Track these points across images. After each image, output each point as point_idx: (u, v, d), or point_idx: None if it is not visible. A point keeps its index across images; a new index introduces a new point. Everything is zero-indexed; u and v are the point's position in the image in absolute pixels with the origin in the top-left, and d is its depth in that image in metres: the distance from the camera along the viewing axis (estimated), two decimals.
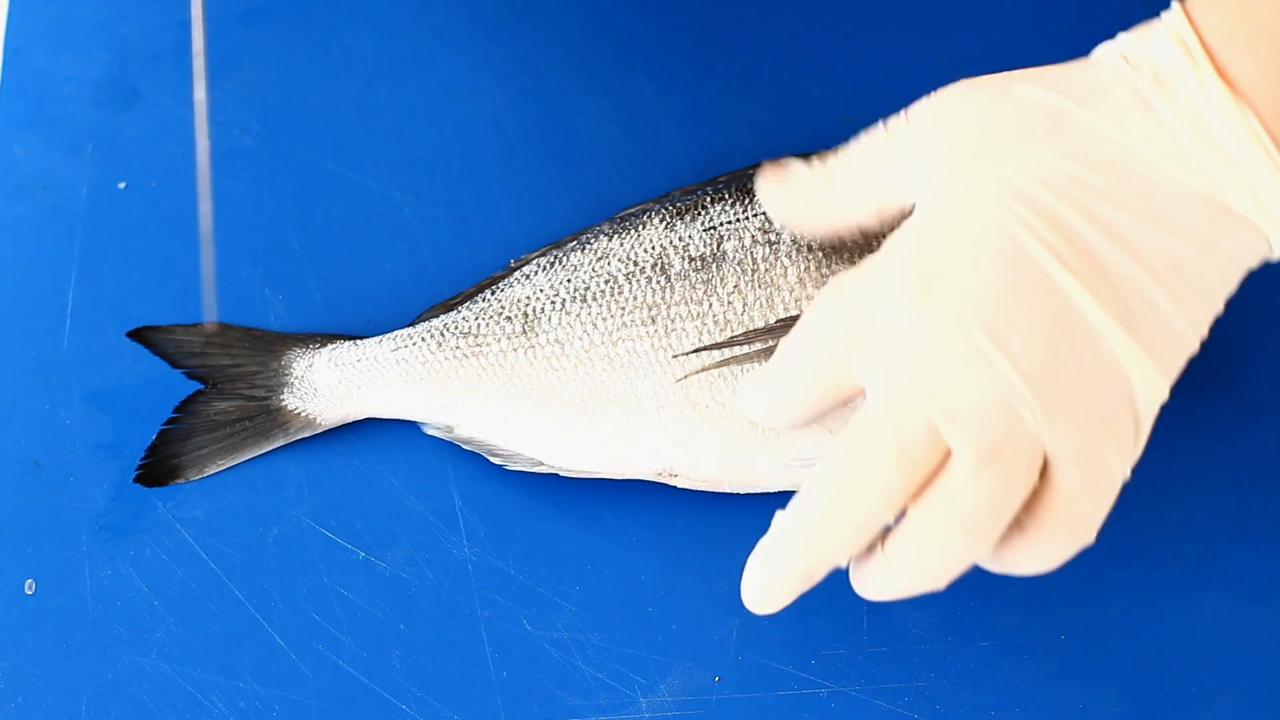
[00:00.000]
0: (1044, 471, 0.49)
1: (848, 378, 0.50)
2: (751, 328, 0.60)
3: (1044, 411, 0.47)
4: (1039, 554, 0.50)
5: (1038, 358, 0.48)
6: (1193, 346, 0.50)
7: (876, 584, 0.51)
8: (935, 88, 0.71)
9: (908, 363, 0.48)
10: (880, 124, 0.54)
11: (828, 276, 0.60)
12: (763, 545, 0.51)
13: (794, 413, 0.52)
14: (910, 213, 0.52)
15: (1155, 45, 0.50)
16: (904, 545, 0.49)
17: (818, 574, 0.50)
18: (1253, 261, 0.50)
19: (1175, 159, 0.49)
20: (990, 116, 0.51)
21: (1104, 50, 0.52)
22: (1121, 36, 0.52)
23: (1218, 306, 0.50)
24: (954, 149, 0.51)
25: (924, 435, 0.48)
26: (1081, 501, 0.49)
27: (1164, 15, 0.51)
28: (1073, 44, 0.72)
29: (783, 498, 0.62)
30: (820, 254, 0.61)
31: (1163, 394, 0.49)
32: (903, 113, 0.54)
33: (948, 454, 0.48)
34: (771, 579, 0.51)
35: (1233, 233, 0.49)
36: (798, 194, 0.57)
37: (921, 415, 0.48)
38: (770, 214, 0.58)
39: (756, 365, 0.59)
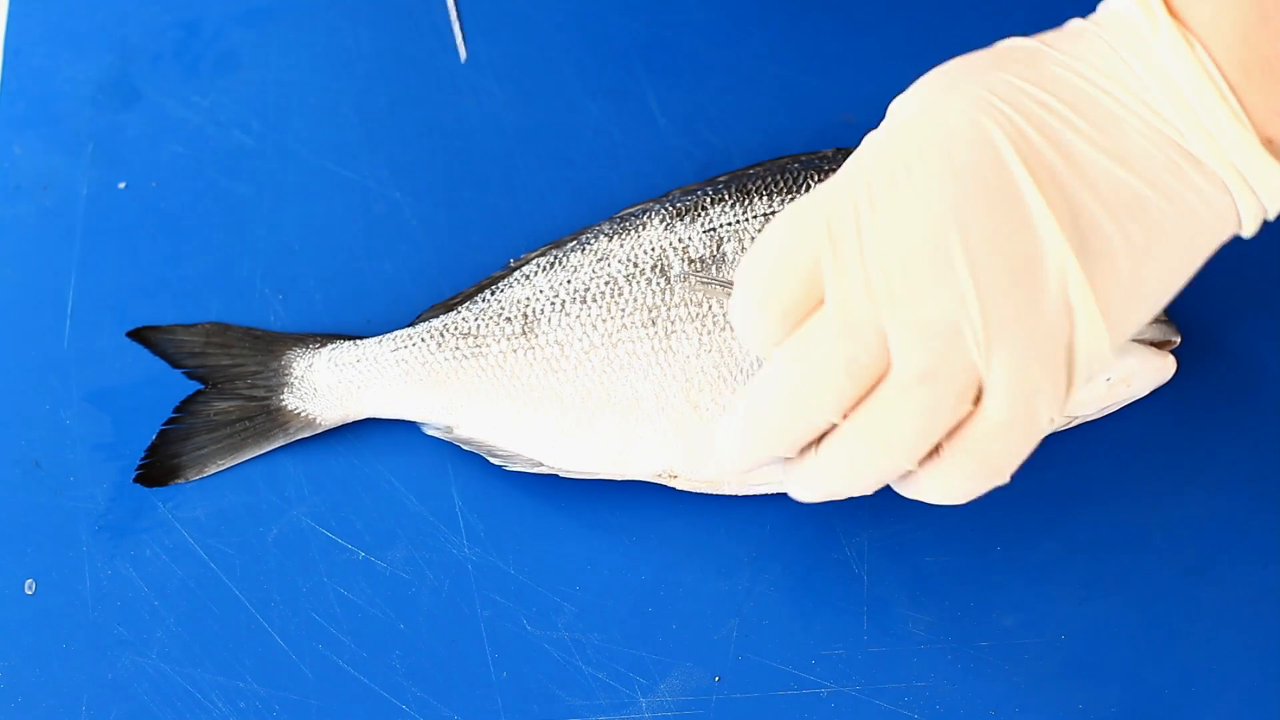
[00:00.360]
0: (975, 401, 0.48)
1: (813, 291, 0.50)
2: None
3: (988, 339, 0.47)
4: (949, 484, 0.50)
5: (997, 279, 0.47)
6: (1143, 312, 0.49)
7: (807, 486, 0.52)
8: None
9: (868, 268, 0.48)
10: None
11: None
12: (719, 428, 0.53)
13: (769, 328, 0.51)
14: None
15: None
16: (833, 452, 0.50)
17: (761, 464, 0.53)
18: (1219, 229, 0.50)
19: (1136, 97, 0.49)
20: (969, 59, 0.51)
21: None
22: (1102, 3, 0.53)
23: (1176, 276, 0.50)
24: (930, 81, 0.51)
25: (873, 344, 0.48)
26: (1002, 438, 0.49)
27: None
28: None
29: (784, 494, 0.62)
30: None
31: (1104, 352, 0.49)
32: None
33: (889, 365, 0.48)
34: (723, 460, 0.53)
35: (1194, 184, 0.49)
36: None
37: (872, 325, 0.48)
38: None
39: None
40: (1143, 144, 0.49)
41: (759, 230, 0.62)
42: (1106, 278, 0.48)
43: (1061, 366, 0.48)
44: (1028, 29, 0.72)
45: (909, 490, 0.52)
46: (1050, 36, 0.51)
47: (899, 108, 0.52)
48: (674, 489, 0.63)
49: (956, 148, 0.48)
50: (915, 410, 0.48)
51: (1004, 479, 0.50)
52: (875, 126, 0.71)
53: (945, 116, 0.49)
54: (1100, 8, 0.52)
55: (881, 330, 0.48)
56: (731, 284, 0.58)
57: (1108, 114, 0.49)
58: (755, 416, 0.51)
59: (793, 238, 0.50)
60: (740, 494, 0.62)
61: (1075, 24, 0.52)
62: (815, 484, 0.52)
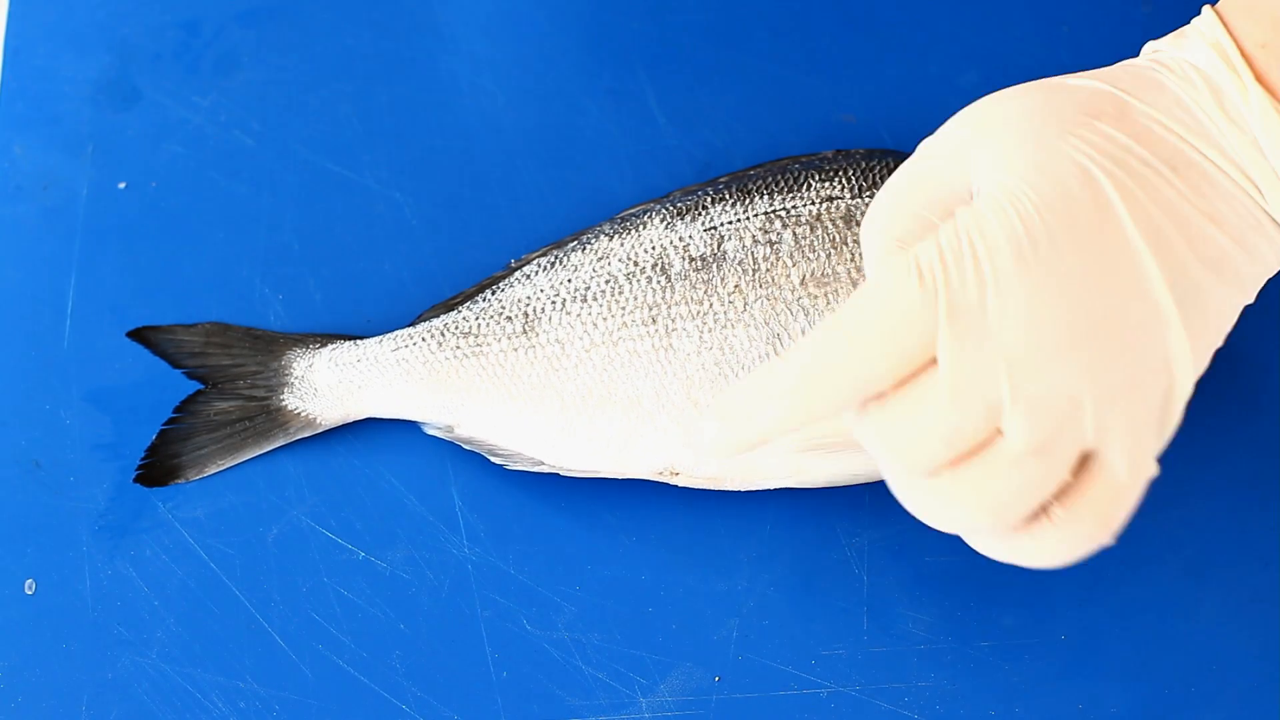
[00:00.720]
0: (1084, 464, 0.48)
1: (920, 350, 0.48)
2: (752, 327, 0.60)
3: (1106, 410, 0.47)
4: (1063, 547, 0.50)
5: (1114, 348, 0.47)
6: (1217, 345, 0.50)
7: (913, 504, 0.50)
8: (935, 88, 0.71)
9: (987, 343, 0.47)
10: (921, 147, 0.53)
11: (829, 277, 0.60)
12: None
13: (849, 391, 0.49)
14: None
15: (1194, 53, 0.51)
16: (932, 498, 0.49)
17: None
18: (1274, 270, 0.51)
19: (1225, 157, 0.50)
20: (1053, 102, 0.51)
21: (1143, 57, 0.53)
22: (1154, 44, 0.53)
23: (1238, 314, 0.51)
24: (1020, 132, 0.50)
25: (980, 418, 0.47)
26: (1123, 499, 0.49)
27: (1197, 23, 0.52)
28: (1073, 44, 0.72)
29: (785, 494, 0.62)
30: (823, 254, 0.61)
31: (1190, 390, 0.49)
32: (940, 131, 0.52)
33: (995, 434, 0.48)
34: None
35: (1270, 237, 0.50)
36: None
37: (983, 399, 0.47)
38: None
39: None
40: (1232, 204, 0.49)
41: (760, 229, 0.62)
42: (1197, 324, 0.49)
43: (1163, 420, 0.49)
44: (1028, 29, 0.72)
45: (1007, 553, 0.50)
46: (1126, 82, 0.51)
47: (989, 153, 0.50)
48: (674, 488, 0.63)
49: (1079, 214, 0.48)
50: (1026, 482, 0.48)
51: (1112, 538, 0.50)
52: (875, 127, 0.72)
53: (1061, 178, 0.48)
54: (1169, 51, 0.52)
55: (992, 404, 0.47)
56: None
57: (1201, 174, 0.49)
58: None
59: (905, 303, 0.48)
60: (742, 490, 0.62)
61: (1147, 71, 0.51)
62: (918, 509, 0.50)
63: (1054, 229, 0.48)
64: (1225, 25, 0.51)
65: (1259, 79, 0.50)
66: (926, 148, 0.52)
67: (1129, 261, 0.48)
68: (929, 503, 0.49)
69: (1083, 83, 0.51)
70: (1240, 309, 0.51)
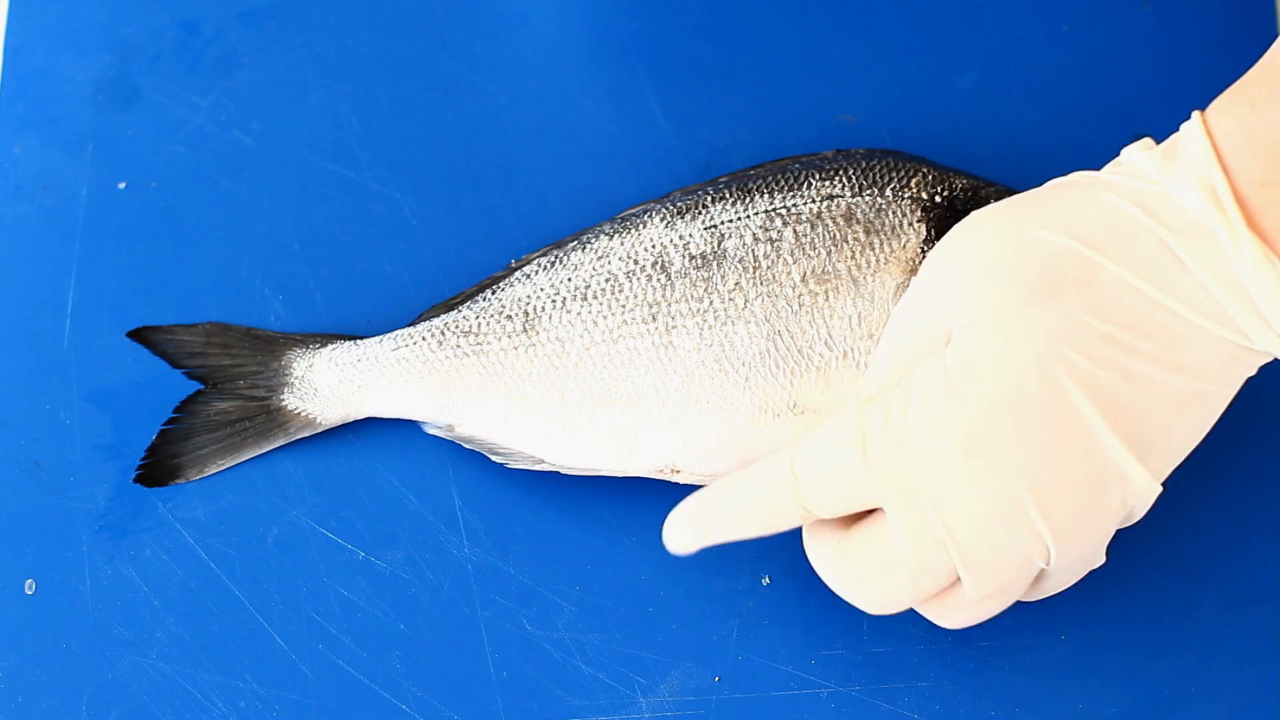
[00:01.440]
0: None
1: (864, 501, 0.53)
2: (753, 324, 0.60)
3: (1058, 555, 0.51)
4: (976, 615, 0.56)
5: (1072, 516, 0.50)
6: (1191, 448, 0.52)
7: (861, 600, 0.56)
8: (935, 88, 0.71)
9: (943, 516, 0.50)
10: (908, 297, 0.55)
11: (829, 274, 0.60)
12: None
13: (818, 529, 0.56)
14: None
15: (1181, 190, 0.49)
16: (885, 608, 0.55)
17: None
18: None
19: (1203, 312, 0.49)
20: (1015, 265, 0.50)
21: (1124, 175, 0.51)
22: (1136, 157, 0.51)
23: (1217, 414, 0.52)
24: (985, 304, 0.51)
25: (941, 578, 0.52)
26: (1047, 591, 0.55)
27: (1187, 149, 0.49)
28: (1073, 44, 0.72)
29: None
30: (824, 251, 0.61)
31: (1145, 509, 0.52)
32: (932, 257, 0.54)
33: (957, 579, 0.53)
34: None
35: (1250, 365, 0.51)
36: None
37: (944, 561, 0.51)
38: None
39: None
40: (1206, 351, 0.49)
41: (760, 228, 0.62)
42: (1163, 457, 0.51)
43: (1110, 532, 0.52)
44: (1028, 29, 0.72)
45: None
46: (1098, 229, 0.50)
47: (958, 314, 0.51)
48: (674, 488, 0.63)
49: (1030, 407, 0.49)
50: (986, 610, 0.54)
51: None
52: (875, 127, 0.72)
53: (1016, 369, 0.49)
54: (1150, 171, 0.50)
55: (950, 567, 0.52)
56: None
57: (1172, 334, 0.49)
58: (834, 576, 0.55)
59: (853, 480, 0.52)
60: None
61: (1125, 217, 0.50)
62: (879, 605, 0.56)
63: (1005, 421, 0.49)
64: (1218, 154, 0.48)
65: (1251, 224, 0.47)
66: (912, 296, 0.54)
67: (1082, 438, 0.49)
68: (880, 606, 0.55)
69: (1053, 238, 0.50)
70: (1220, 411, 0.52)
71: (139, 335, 0.66)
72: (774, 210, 0.62)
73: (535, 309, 0.63)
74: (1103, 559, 0.54)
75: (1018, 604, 0.62)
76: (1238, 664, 0.61)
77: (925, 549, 0.51)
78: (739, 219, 0.62)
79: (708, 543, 0.56)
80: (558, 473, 0.63)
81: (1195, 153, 0.49)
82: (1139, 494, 0.51)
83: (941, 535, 0.51)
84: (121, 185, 0.70)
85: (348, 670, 0.62)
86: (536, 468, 0.62)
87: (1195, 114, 0.50)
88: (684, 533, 0.56)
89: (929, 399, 0.51)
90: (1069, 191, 0.52)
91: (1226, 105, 0.49)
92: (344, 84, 0.72)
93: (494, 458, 0.63)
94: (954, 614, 0.55)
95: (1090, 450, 0.49)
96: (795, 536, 0.64)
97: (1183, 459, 0.52)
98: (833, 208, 0.62)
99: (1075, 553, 0.51)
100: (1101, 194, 0.51)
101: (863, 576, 0.54)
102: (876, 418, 0.52)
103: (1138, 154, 0.51)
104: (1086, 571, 0.54)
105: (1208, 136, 0.48)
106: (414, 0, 0.73)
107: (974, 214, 0.54)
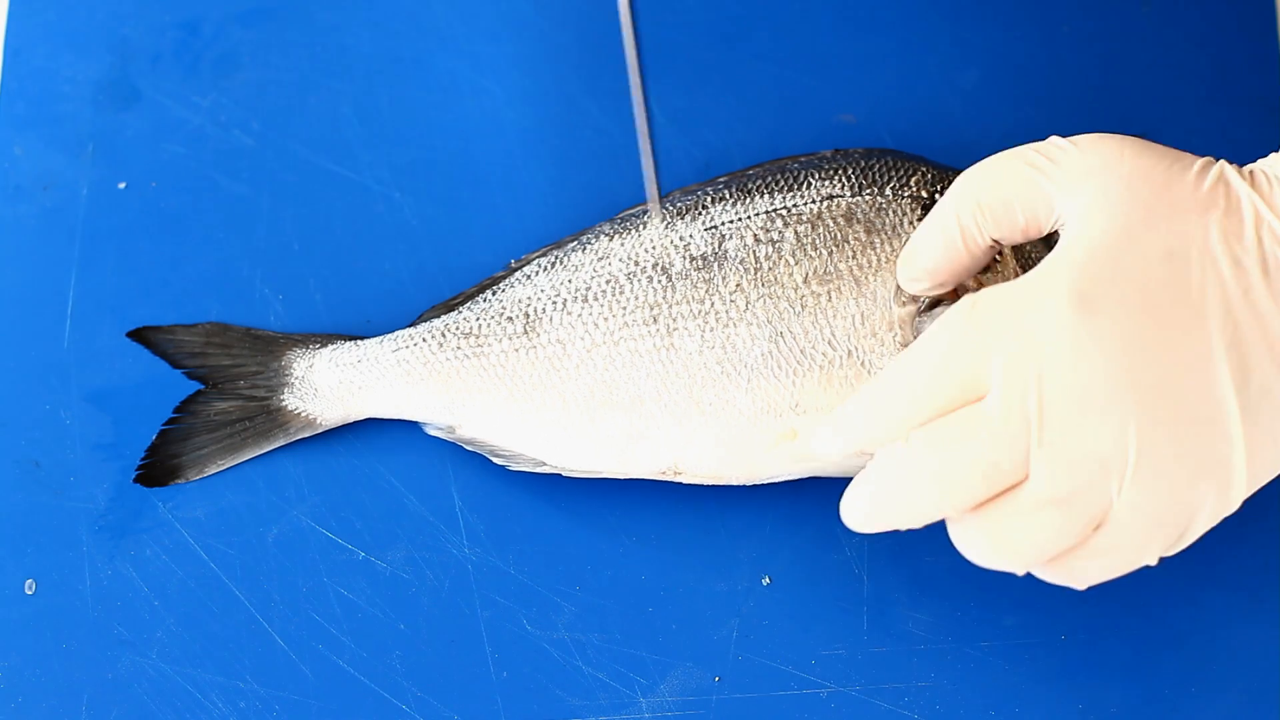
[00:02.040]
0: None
1: (971, 384, 0.50)
2: (755, 325, 0.60)
3: (1132, 479, 0.48)
4: (1046, 573, 0.51)
5: (1163, 434, 0.48)
6: (1270, 474, 0.50)
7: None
8: (935, 88, 0.71)
9: (1038, 394, 0.48)
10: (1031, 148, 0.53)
11: (831, 274, 0.60)
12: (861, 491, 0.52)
13: (901, 413, 0.51)
14: (1056, 236, 0.52)
15: None
16: (958, 536, 0.51)
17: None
18: None
19: None
20: (1173, 171, 0.51)
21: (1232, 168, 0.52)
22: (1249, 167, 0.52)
23: None
24: (1133, 192, 0.50)
25: (1019, 458, 0.49)
26: (1101, 562, 0.50)
27: None
28: (1073, 44, 0.72)
29: (785, 494, 0.62)
30: (825, 252, 0.61)
31: (1228, 511, 0.50)
32: (1060, 140, 0.53)
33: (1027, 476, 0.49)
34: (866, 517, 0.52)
35: None
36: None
37: (1024, 444, 0.48)
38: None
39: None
40: None
41: (760, 228, 0.62)
42: (1260, 442, 0.49)
43: (1186, 522, 0.50)
44: (1028, 29, 0.72)
45: (1048, 576, 0.52)
46: (1233, 176, 0.51)
47: (1093, 191, 0.51)
48: (674, 488, 0.63)
49: (1156, 290, 0.48)
50: (1045, 527, 0.49)
51: (1080, 588, 0.52)
52: (875, 127, 0.72)
53: (1146, 255, 0.49)
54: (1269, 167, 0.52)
55: (1029, 448, 0.49)
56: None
57: None
58: (883, 494, 0.51)
59: (967, 340, 0.50)
60: (746, 484, 0.62)
61: (1246, 176, 0.51)
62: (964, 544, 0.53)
63: (1126, 298, 0.48)
64: None
65: None
66: (1035, 150, 0.52)
67: (1195, 344, 0.48)
68: (960, 538, 0.51)
69: (1199, 164, 0.51)
70: None
71: (139, 335, 0.66)
72: (774, 211, 0.62)
73: (536, 311, 0.63)
74: (1173, 547, 0.50)
75: (1017, 604, 0.62)
76: (1238, 664, 0.61)
77: (1013, 425, 0.48)
78: (739, 220, 0.62)
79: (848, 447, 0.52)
80: (558, 474, 0.63)
81: None
82: (1233, 477, 0.49)
83: (1036, 402, 0.48)
84: (121, 185, 0.70)
85: (348, 670, 0.62)
86: (538, 470, 0.62)
87: None
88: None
89: (1055, 264, 0.49)
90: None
91: None
92: (344, 84, 0.72)
93: (496, 460, 0.63)
94: (1009, 534, 0.50)
95: (1202, 362, 0.48)
96: (795, 536, 0.64)
97: (1268, 473, 0.50)
98: (833, 207, 0.62)
99: (1150, 490, 0.48)
100: (1222, 163, 0.52)
101: (1007, 532, 0.50)
102: (987, 294, 0.50)
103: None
104: (1150, 548, 0.50)
105: None
106: (414, 0, 0.73)
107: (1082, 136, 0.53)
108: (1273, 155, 0.52)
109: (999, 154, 0.54)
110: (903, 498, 0.50)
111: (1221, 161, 0.52)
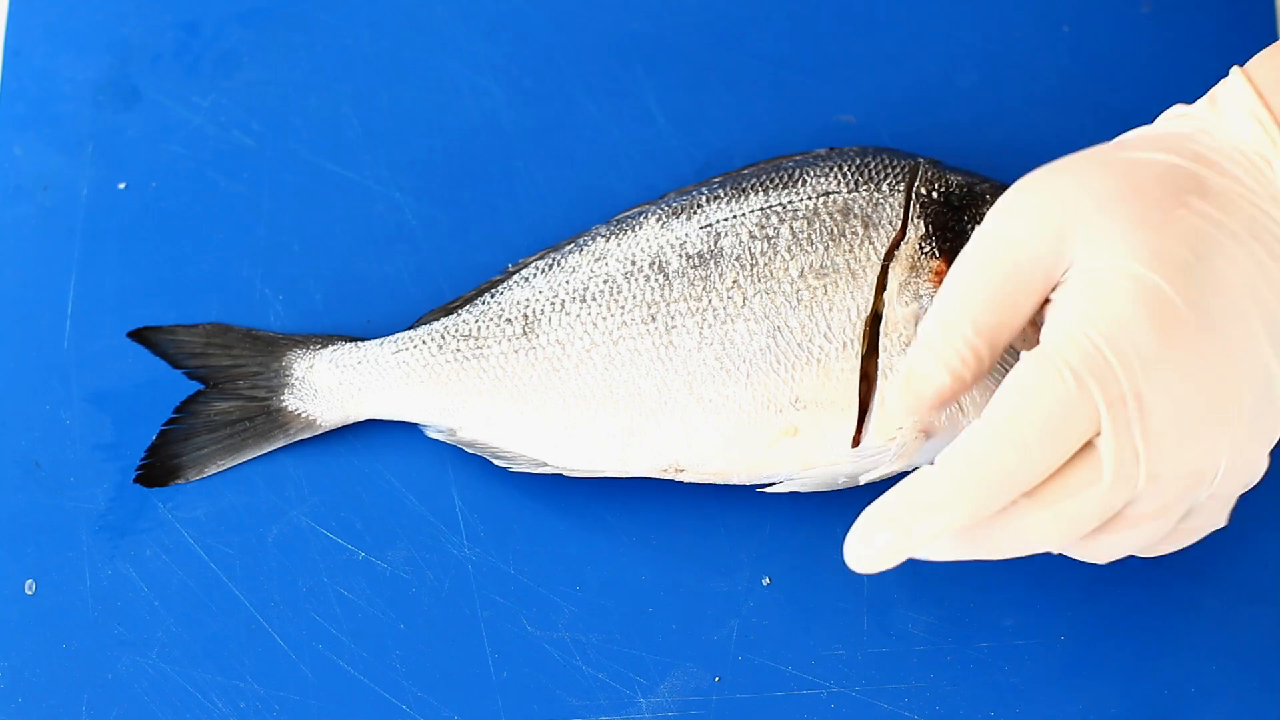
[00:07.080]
0: None
1: (1077, 444, 0.50)
2: (752, 321, 0.60)
3: (1220, 484, 0.51)
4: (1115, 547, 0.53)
5: (1244, 431, 0.50)
6: None
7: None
8: (935, 88, 0.71)
9: (1144, 431, 0.49)
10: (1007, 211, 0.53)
11: (827, 268, 0.61)
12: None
13: (1019, 478, 0.50)
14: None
15: (1234, 124, 0.52)
16: (1081, 547, 0.53)
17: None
18: None
19: None
20: (1139, 180, 0.51)
21: (1173, 123, 0.53)
22: (1181, 109, 0.54)
23: None
24: (1124, 215, 0.51)
25: (1130, 495, 0.50)
26: (1199, 535, 0.54)
27: (1228, 92, 0.52)
28: (1073, 44, 0.72)
29: (785, 494, 0.62)
30: (821, 247, 0.61)
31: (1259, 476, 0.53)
32: (1010, 192, 0.53)
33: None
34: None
35: None
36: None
37: (1137, 480, 0.49)
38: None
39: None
40: None
41: (756, 225, 0.62)
42: None
43: (1249, 481, 0.53)
44: (1028, 29, 0.72)
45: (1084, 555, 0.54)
46: (1188, 156, 0.51)
47: (1094, 237, 0.51)
48: (674, 488, 0.63)
49: (1202, 295, 0.49)
50: (1141, 536, 0.52)
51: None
52: (875, 127, 0.72)
53: (1180, 260, 0.49)
54: (1199, 119, 0.53)
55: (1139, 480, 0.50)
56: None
57: (1275, 238, 0.50)
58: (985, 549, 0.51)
59: (1065, 408, 0.49)
60: (747, 484, 0.62)
61: (1196, 144, 0.52)
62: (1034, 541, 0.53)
63: (1186, 311, 0.49)
64: (1259, 95, 0.51)
65: None
66: (1007, 228, 0.52)
67: (1245, 331, 0.49)
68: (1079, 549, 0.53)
69: (1155, 157, 0.52)
70: None
71: (139, 335, 0.66)
72: (770, 208, 0.62)
73: (535, 312, 0.63)
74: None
75: (1017, 604, 0.62)
76: (1238, 664, 0.61)
77: (1128, 460, 0.49)
78: (734, 217, 0.62)
79: (909, 548, 0.51)
80: (559, 474, 0.63)
81: (1236, 93, 0.52)
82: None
83: (1145, 441, 0.49)
84: (121, 185, 0.70)
85: (348, 670, 0.62)
86: (539, 470, 0.62)
87: (1234, 68, 0.53)
88: (879, 536, 0.51)
89: (1110, 305, 0.49)
90: (1132, 141, 0.53)
91: (1263, 59, 0.53)
92: (344, 84, 0.72)
93: (497, 462, 0.63)
94: (1106, 547, 0.52)
95: (1250, 339, 0.49)
96: (795, 536, 0.64)
97: None
98: (829, 203, 0.62)
99: (1232, 481, 0.51)
100: (1171, 133, 0.53)
101: (1062, 514, 0.50)
102: (1074, 350, 0.49)
103: (1177, 110, 0.54)
104: (1221, 518, 0.54)
105: (1248, 82, 0.52)
106: (414, 0, 0.73)
107: (1049, 164, 0.53)
108: (1197, 103, 0.53)
109: (975, 256, 0.53)
110: (1012, 550, 0.51)
111: (1148, 137, 0.53)
